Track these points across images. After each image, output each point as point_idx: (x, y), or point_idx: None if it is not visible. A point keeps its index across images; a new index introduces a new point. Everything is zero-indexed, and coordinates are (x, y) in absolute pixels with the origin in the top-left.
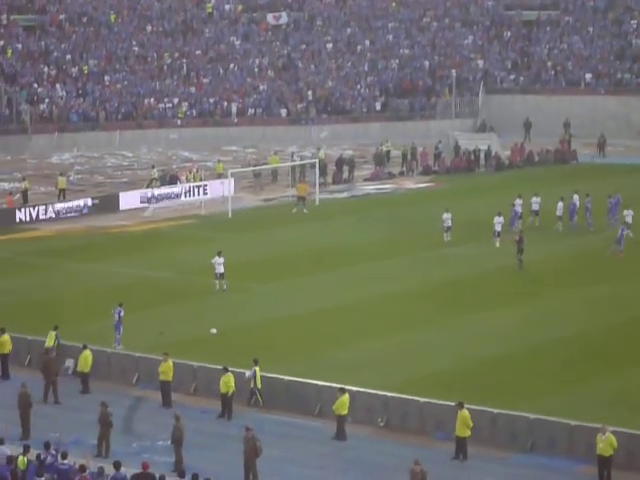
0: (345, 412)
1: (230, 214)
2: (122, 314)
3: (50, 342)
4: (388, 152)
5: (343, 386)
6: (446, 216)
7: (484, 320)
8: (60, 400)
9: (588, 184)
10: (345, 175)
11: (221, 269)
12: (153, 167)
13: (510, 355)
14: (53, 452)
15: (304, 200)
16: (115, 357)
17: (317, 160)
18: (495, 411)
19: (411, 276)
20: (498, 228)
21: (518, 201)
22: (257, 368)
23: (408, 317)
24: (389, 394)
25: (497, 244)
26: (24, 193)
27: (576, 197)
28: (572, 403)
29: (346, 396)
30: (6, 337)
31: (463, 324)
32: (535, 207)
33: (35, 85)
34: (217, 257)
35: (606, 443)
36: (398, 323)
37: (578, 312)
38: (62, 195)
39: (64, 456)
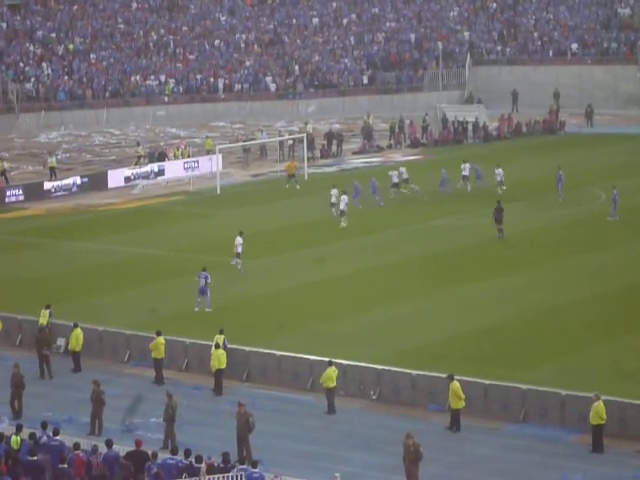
0: (333, 385)
1: (219, 190)
2: (209, 280)
3: (44, 320)
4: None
5: (331, 359)
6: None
7: (474, 291)
8: (53, 375)
9: (575, 154)
10: (333, 149)
11: (239, 249)
12: (138, 144)
13: (501, 326)
14: (50, 433)
15: (294, 177)
16: (106, 335)
17: (305, 134)
18: (487, 382)
19: (400, 248)
20: (342, 207)
21: (498, 171)
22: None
23: (398, 289)
24: (381, 367)
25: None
26: (2, 173)
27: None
28: (564, 373)
29: (332, 369)
30: None
31: (453, 295)
32: (499, 178)
33: (21, 64)
34: (238, 237)
35: (594, 412)
36: (388, 296)
37: (568, 281)
38: (53, 174)
39: (56, 433)
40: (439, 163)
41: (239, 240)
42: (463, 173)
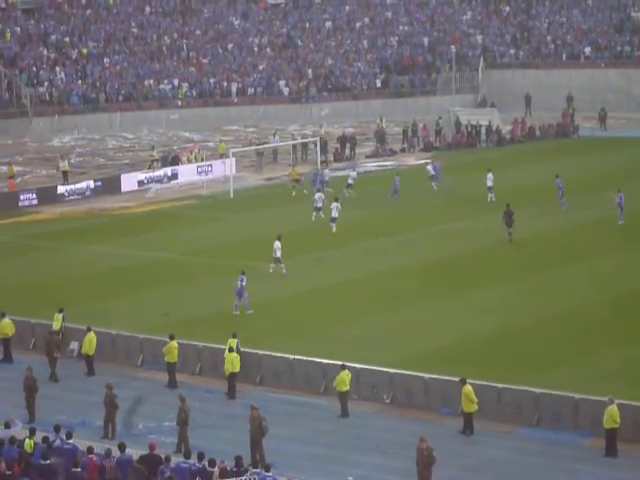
0: (346, 388)
1: (232, 194)
2: (244, 282)
3: (57, 325)
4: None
5: (344, 363)
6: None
7: (486, 295)
8: (58, 378)
9: (588, 158)
10: (347, 152)
11: (277, 254)
12: (153, 148)
13: (513, 330)
14: (63, 436)
15: (299, 182)
16: (119, 339)
17: (318, 138)
18: (500, 386)
19: (412, 252)
20: (319, 204)
21: (489, 176)
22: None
23: (410, 293)
24: (394, 371)
25: (313, 217)
26: (12, 177)
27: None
28: (577, 377)
29: (345, 372)
30: (6, 321)
31: (465, 299)
32: (489, 183)
33: (35, 68)
34: (277, 241)
35: (607, 416)
36: (401, 299)
37: (579, 286)
38: (65, 178)
39: (69, 436)
40: (452, 167)
41: (277, 244)
42: (430, 173)
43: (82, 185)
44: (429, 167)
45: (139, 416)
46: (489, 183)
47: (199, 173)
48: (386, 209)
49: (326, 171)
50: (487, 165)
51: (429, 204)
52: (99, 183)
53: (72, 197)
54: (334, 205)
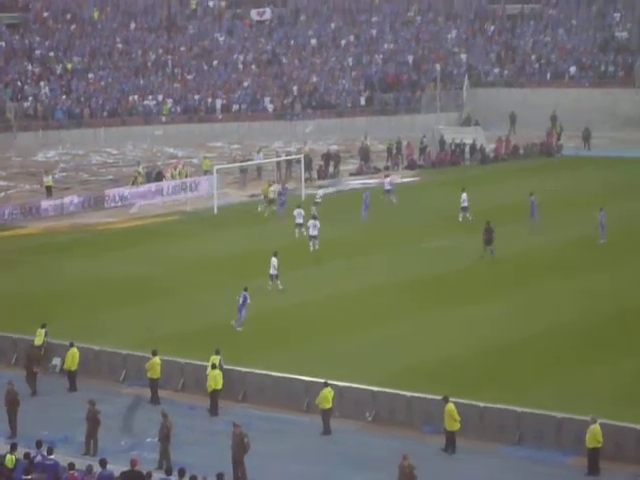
0: (329, 406)
1: (216, 210)
2: (248, 300)
3: (39, 340)
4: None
5: (326, 380)
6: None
7: (470, 312)
8: (37, 393)
9: (571, 176)
10: (331, 170)
11: (273, 270)
12: (139, 164)
13: (497, 347)
14: (44, 452)
15: (273, 201)
16: (103, 354)
17: (302, 155)
18: (482, 404)
19: (397, 269)
20: (299, 220)
21: (463, 196)
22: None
23: (394, 310)
24: (376, 388)
25: (296, 234)
26: None
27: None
28: (559, 395)
29: (327, 389)
30: None
31: (450, 316)
32: (464, 204)
33: (19, 83)
34: (273, 257)
35: (590, 435)
36: (384, 316)
37: (561, 303)
38: (49, 193)
39: (50, 452)
40: (436, 185)
41: (274, 261)
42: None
43: (66, 200)
44: (386, 181)
45: (121, 432)
46: (463, 203)
47: (183, 189)
48: (363, 226)
49: (287, 187)
50: (464, 184)
51: (405, 221)
52: (82, 198)
53: (56, 212)
54: (311, 223)
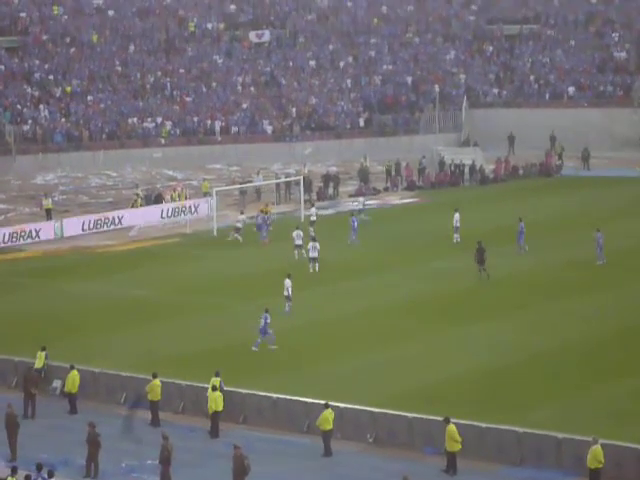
0: (329, 427)
1: (215, 232)
2: (268, 320)
3: (39, 363)
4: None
5: (327, 402)
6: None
7: (470, 333)
8: (36, 416)
9: (570, 196)
10: (330, 191)
11: (288, 291)
12: (137, 186)
13: (496, 368)
14: (44, 475)
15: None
16: (103, 377)
17: (302, 177)
18: (483, 425)
19: (396, 290)
20: (298, 242)
21: (456, 216)
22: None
23: (394, 331)
24: (377, 410)
25: (295, 255)
26: None
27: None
28: (560, 415)
29: (328, 411)
30: None
31: (449, 337)
32: (456, 224)
33: (18, 106)
34: (287, 279)
35: (591, 455)
36: (384, 337)
37: (560, 324)
38: (49, 216)
39: (50, 475)
40: (435, 206)
41: (288, 282)
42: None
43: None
44: (359, 200)
45: (122, 453)
46: (456, 224)
47: (183, 211)
48: (361, 247)
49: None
50: (462, 205)
51: (403, 243)
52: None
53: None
54: (311, 245)
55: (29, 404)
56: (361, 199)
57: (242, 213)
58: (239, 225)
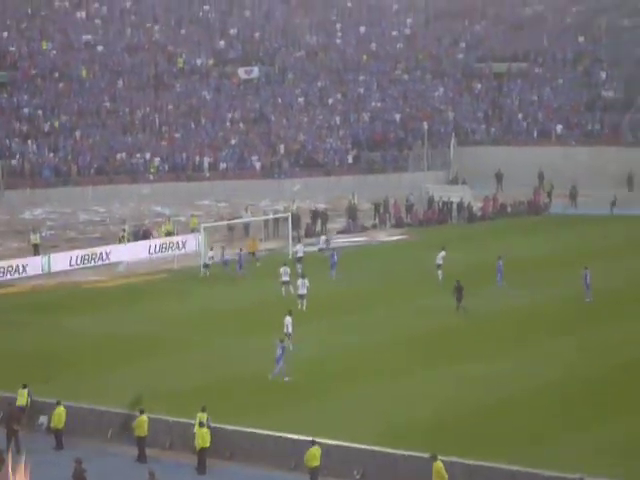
0: (316, 464)
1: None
2: (284, 349)
3: (22, 400)
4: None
5: (314, 438)
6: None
7: (461, 370)
8: (21, 451)
9: (558, 234)
10: (318, 228)
11: (289, 329)
12: (124, 222)
13: (489, 405)
14: None
15: (255, 255)
16: (89, 413)
17: (289, 213)
18: (471, 462)
19: (387, 327)
20: (285, 278)
21: (442, 254)
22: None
23: (384, 367)
24: (364, 447)
25: (283, 292)
26: None
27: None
28: (550, 453)
29: (315, 448)
30: None
31: (440, 374)
32: (439, 261)
33: (7, 141)
34: (287, 316)
35: None
36: (374, 374)
37: (554, 360)
38: (36, 251)
39: None
40: (422, 243)
41: (288, 320)
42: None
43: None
44: (321, 239)
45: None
46: (438, 261)
47: (170, 247)
48: (346, 284)
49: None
50: (450, 243)
51: (386, 280)
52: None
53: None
54: (300, 281)
55: (11, 441)
56: (323, 237)
57: (212, 249)
58: (208, 262)
